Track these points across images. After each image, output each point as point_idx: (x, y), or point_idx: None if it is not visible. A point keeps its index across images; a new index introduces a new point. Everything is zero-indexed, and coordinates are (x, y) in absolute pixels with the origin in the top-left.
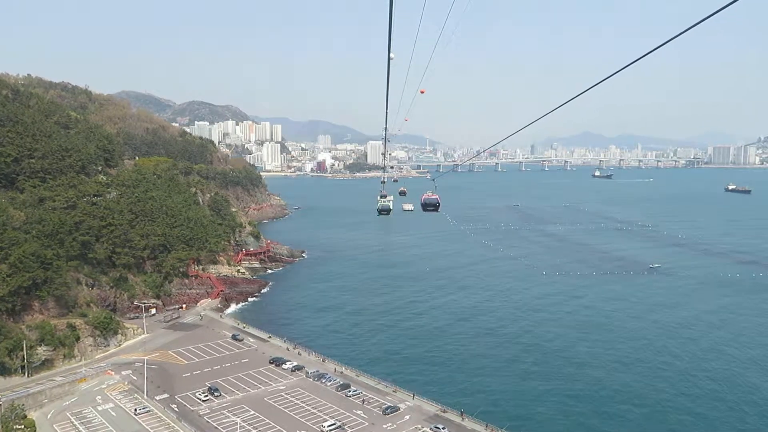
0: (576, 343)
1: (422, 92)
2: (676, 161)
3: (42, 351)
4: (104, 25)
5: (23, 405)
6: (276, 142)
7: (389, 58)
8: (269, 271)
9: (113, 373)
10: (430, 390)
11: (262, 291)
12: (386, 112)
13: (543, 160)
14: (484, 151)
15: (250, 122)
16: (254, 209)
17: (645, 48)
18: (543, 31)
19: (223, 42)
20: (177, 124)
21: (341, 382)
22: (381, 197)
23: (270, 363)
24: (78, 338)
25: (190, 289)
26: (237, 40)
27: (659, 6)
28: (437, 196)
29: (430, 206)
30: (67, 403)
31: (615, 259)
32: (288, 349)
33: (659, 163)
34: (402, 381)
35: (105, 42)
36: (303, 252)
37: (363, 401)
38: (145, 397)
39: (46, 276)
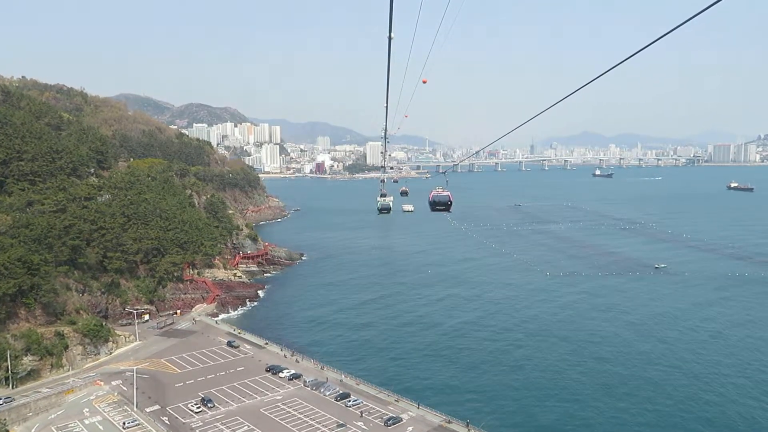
0: (585, 347)
1: (425, 82)
2: (676, 160)
3: (28, 361)
4: (103, 27)
5: (5, 419)
6: (275, 144)
7: (390, 38)
8: (267, 274)
9: (102, 383)
10: (434, 399)
11: (260, 295)
12: (386, 101)
13: (543, 160)
14: (483, 150)
15: (248, 124)
16: (252, 211)
17: (645, 50)
18: (543, 31)
19: (222, 43)
20: (175, 127)
21: (340, 392)
22: (381, 196)
23: (266, 371)
24: (66, 347)
25: (185, 294)
26: (236, 41)
27: (659, 6)
28: (449, 193)
29: (440, 205)
30: (53, 416)
31: (619, 259)
32: (285, 356)
33: (659, 162)
34: (404, 389)
35: (103, 45)
36: (302, 254)
37: (362, 412)
38: (135, 409)
39: (33, 282)
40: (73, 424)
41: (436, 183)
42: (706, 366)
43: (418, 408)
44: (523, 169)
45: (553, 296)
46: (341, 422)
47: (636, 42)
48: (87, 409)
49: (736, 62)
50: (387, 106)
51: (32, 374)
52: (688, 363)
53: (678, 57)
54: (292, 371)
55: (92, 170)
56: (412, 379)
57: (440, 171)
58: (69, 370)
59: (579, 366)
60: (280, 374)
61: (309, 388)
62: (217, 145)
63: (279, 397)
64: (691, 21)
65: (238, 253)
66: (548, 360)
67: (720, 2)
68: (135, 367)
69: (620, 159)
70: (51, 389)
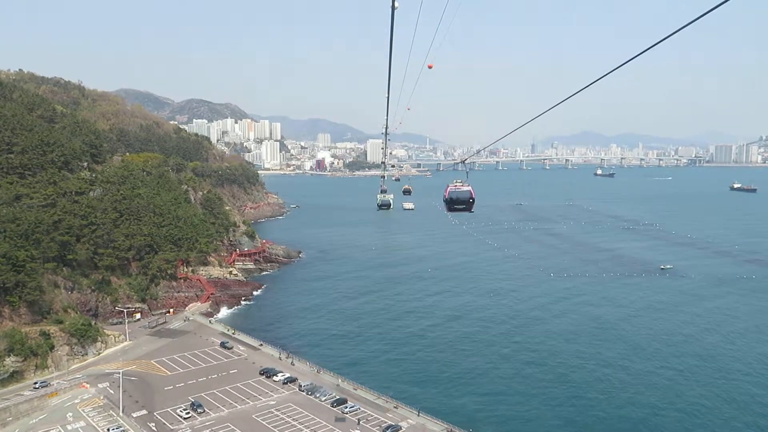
0: (592, 352)
1: (430, 67)
2: (678, 160)
3: (10, 362)
4: (104, 23)
5: None
6: (275, 141)
7: (393, 7)
8: (264, 272)
9: (89, 385)
10: (435, 405)
11: (255, 294)
12: (388, 83)
13: (544, 159)
14: (484, 149)
15: (249, 120)
16: (251, 208)
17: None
18: (543, 31)
19: (223, 40)
20: (176, 122)
21: (337, 397)
22: (381, 193)
23: (260, 374)
24: (52, 347)
25: (178, 292)
26: (237, 39)
27: (659, 6)
28: (470, 188)
29: (459, 204)
30: (34, 421)
31: (624, 260)
32: (280, 359)
33: (661, 162)
34: (404, 395)
35: (105, 40)
36: (300, 252)
37: (360, 419)
38: (121, 414)
39: (18, 279)
40: (54, 430)
41: (438, 181)
42: (713, 369)
43: (419, 415)
44: (524, 168)
45: (557, 298)
46: (340, 416)
47: (636, 42)
48: (71, 414)
49: (737, 63)
50: (389, 89)
51: (15, 376)
52: (695, 366)
53: (679, 57)
54: (287, 375)
55: (85, 164)
56: (412, 384)
57: (440, 170)
58: (54, 372)
59: (586, 371)
60: (275, 378)
61: (304, 393)
62: (217, 141)
63: (273, 403)
64: (692, 22)
65: (235, 251)
66: (554, 365)
67: (721, 4)
68: (121, 370)
69: (621, 159)
70: (34, 392)
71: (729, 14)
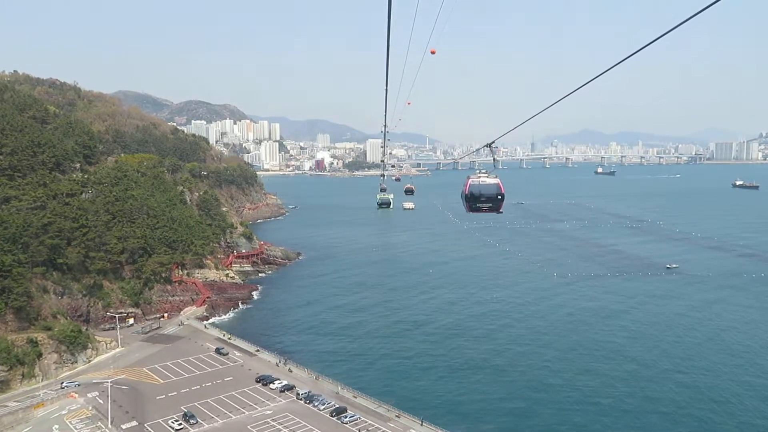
0: (601, 356)
1: (433, 53)
2: (678, 158)
3: None
4: (102, 25)
5: None
6: (274, 141)
7: None
8: (261, 274)
9: (77, 395)
10: (439, 414)
11: (253, 297)
12: (386, 71)
13: (544, 158)
14: (483, 147)
15: (248, 121)
16: (249, 209)
17: (645, 49)
18: (543, 31)
19: (222, 41)
20: (174, 123)
21: (336, 406)
22: (381, 191)
23: (256, 382)
24: (40, 355)
25: (173, 296)
26: (236, 40)
27: (659, 6)
28: (498, 181)
29: (483, 201)
30: None
31: (628, 259)
32: (278, 365)
33: (661, 160)
34: (407, 403)
35: (103, 42)
36: (299, 253)
37: (360, 429)
38: (110, 425)
39: (4, 285)
40: None
41: (437, 180)
42: (722, 372)
43: (422, 425)
44: (524, 166)
45: (562, 300)
46: (339, 426)
47: (636, 41)
48: (57, 426)
49: (737, 60)
50: (387, 82)
51: (1, 386)
52: (704, 369)
53: (677, 55)
54: (285, 382)
55: (78, 165)
56: (414, 392)
57: (441, 168)
58: (42, 381)
59: (597, 376)
60: (271, 385)
61: (302, 401)
62: (216, 142)
63: (269, 412)
64: (690, 18)
65: (232, 253)
66: (563, 370)
67: (719, 1)
68: (110, 380)
69: (622, 157)
70: (20, 403)
71: (728, 11)
